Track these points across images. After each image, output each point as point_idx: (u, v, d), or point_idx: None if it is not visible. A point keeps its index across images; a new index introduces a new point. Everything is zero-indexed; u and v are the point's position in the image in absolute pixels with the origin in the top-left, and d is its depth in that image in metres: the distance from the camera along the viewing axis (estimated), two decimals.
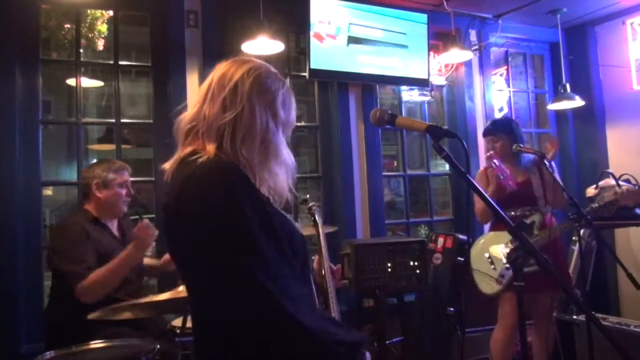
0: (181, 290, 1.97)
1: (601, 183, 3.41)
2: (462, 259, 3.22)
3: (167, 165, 1.19)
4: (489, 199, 1.26)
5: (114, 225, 2.55)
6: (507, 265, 2.69)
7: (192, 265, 1.12)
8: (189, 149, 1.16)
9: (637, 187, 2.86)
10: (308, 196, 2.11)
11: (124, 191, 2.48)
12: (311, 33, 3.47)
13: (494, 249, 2.87)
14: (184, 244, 1.11)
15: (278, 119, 1.22)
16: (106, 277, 2.20)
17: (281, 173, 1.22)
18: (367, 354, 1.17)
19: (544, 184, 2.90)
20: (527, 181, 2.91)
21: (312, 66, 3.48)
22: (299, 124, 3.72)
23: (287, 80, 1.27)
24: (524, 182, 2.90)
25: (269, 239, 1.07)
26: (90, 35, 3.34)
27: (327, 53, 3.56)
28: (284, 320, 1.01)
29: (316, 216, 1.94)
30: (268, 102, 1.21)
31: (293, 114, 1.28)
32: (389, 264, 3.04)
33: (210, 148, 1.13)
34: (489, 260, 2.86)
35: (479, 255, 2.91)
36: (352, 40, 3.65)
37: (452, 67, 4.22)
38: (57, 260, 2.28)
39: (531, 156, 2.95)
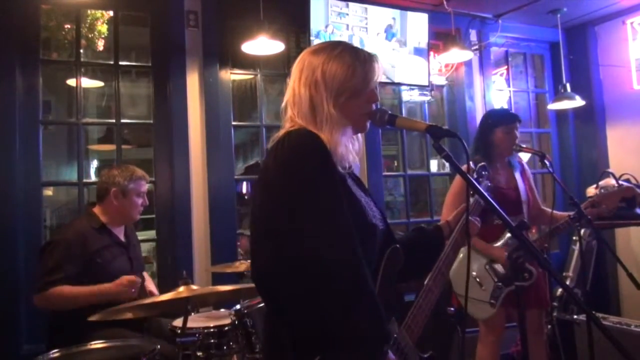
0: (181, 291, 1.97)
1: (601, 183, 3.41)
2: None
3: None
4: (490, 199, 1.26)
5: (120, 231, 2.54)
6: (499, 284, 2.58)
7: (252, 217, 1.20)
8: (288, 124, 1.31)
9: (615, 188, 2.69)
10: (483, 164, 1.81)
11: (140, 201, 2.50)
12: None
13: (476, 267, 2.62)
14: (254, 195, 1.23)
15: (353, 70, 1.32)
16: (70, 298, 2.22)
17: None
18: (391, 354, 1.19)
19: (527, 187, 2.77)
20: (516, 187, 2.73)
21: None
22: None
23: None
24: (515, 188, 2.73)
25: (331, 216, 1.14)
26: (90, 36, 3.33)
27: None
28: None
29: (480, 187, 1.66)
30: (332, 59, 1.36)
31: (371, 66, 1.35)
32: None
33: (302, 121, 1.27)
34: (476, 280, 2.62)
35: (463, 277, 2.71)
36: (359, 40, 3.67)
37: (452, 67, 4.22)
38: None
39: (516, 157, 2.82)
